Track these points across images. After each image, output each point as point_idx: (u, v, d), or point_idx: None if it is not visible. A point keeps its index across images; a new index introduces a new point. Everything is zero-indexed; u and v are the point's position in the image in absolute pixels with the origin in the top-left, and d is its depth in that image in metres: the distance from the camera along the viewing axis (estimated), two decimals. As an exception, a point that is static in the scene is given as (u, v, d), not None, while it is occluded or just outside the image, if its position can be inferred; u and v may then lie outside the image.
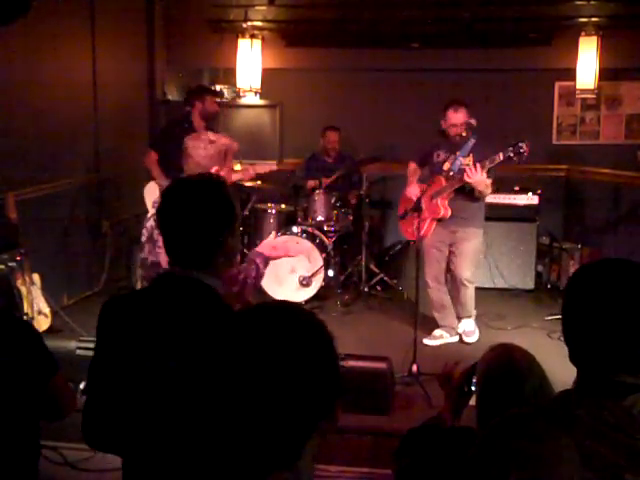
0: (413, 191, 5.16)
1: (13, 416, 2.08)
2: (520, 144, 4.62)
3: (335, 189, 6.41)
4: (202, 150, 2.87)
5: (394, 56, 6.90)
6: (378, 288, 6.37)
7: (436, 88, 6.81)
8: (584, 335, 1.44)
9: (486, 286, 6.16)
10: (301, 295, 5.87)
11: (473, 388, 1.96)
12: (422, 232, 4.91)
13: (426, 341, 5.15)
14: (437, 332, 5.27)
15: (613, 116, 6.86)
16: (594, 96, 6.63)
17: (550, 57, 6.69)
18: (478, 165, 4.73)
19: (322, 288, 5.97)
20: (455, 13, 6.61)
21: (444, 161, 5.09)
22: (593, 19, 6.38)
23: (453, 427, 1.95)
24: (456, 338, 5.29)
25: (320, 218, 6.24)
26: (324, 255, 5.94)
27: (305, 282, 5.88)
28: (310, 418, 1.68)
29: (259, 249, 2.95)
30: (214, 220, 1.81)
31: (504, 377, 1.91)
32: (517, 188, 6.48)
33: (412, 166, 5.34)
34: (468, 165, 4.86)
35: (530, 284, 6.40)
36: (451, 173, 4.94)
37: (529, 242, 6.39)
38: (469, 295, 5.22)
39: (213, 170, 2.81)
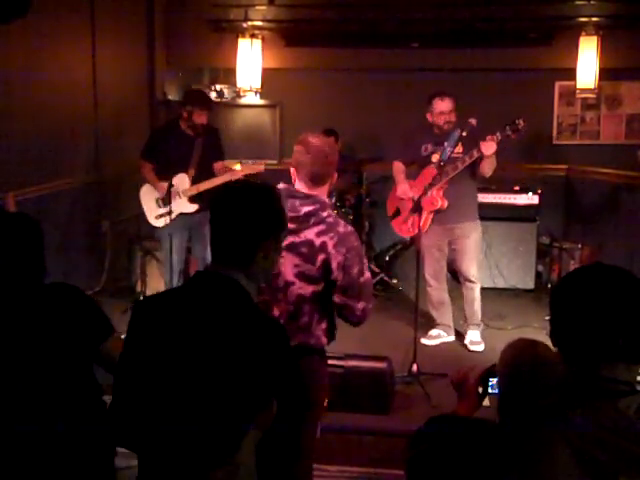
0: (404, 189, 5.09)
1: (71, 373, 2.24)
2: (517, 121, 4.72)
3: (334, 188, 6.40)
4: (310, 162, 2.66)
5: (394, 56, 6.89)
6: (378, 288, 6.37)
7: (436, 88, 6.79)
8: (571, 330, 1.52)
9: (486, 286, 6.11)
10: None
11: (490, 390, 1.97)
12: (421, 225, 4.81)
13: (424, 341, 5.10)
14: (434, 332, 5.24)
15: (613, 116, 6.86)
16: (594, 96, 6.63)
17: (550, 57, 6.68)
18: (488, 140, 4.72)
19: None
20: (455, 13, 6.62)
21: (432, 153, 5.03)
22: (593, 19, 6.38)
23: (469, 418, 1.94)
24: (452, 337, 5.27)
25: (320, 218, 6.22)
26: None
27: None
28: (247, 407, 1.72)
29: None
30: (259, 224, 1.89)
31: (532, 368, 1.88)
32: (517, 188, 6.48)
33: (399, 165, 5.22)
34: (459, 153, 4.84)
35: (530, 284, 6.39)
36: (442, 163, 4.76)
37: (529, 242, 6.39)
38: (477, 295, 5.17)
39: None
